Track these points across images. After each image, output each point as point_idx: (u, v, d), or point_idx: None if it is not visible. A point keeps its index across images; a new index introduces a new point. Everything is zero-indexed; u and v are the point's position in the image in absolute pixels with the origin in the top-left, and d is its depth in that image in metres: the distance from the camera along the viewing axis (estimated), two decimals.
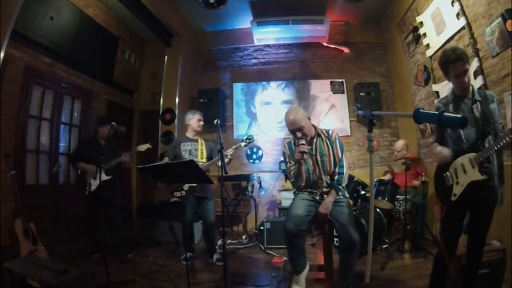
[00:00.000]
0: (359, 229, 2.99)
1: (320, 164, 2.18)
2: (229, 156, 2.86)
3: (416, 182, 3.71)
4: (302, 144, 2.05)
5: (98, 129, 3.36)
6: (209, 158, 3.09)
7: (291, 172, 2.26)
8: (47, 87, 3.87)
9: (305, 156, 2.07)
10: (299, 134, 2.11)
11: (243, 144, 2.97)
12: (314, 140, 2.21)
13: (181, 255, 3.18)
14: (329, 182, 2.19)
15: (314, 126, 2.25)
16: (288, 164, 2.30)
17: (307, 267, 2.14)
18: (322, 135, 2.24)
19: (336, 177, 2.18)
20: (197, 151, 3.07)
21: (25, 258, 2.34)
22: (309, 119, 2.20)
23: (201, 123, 3.17)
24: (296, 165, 2.14)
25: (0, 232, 2.63)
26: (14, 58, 3.28)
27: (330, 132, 2.25)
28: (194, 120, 3.12)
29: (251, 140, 3.01)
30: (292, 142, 2.30)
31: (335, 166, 2.20)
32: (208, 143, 3.17)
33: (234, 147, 2.95)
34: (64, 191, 4.04)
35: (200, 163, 2.96)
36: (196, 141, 3.12)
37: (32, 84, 3.59)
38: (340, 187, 2.18)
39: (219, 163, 3.01)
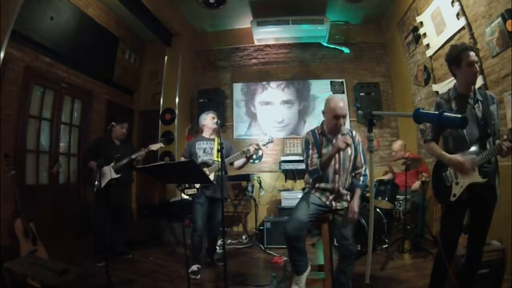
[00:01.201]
0: (359, 229, 3.00)
1: (342, 161, 2.12)
2: (252, 151, 2.85)
3: (416, 184, 3.70)
4: (344, 135, 2.04)
5: (113, 128, 3.29)
6: (226, 157, 2.98)
7: (313, 160, 2.13)
8: (47, 87, 3.87)
9: (348, 149, 2.05)
10: (342, 121, 2.10)
11: (261, 144, 2.92)
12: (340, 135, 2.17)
13: (181, 255, 3.17)
14: (345, 181, 2.13)
15: None
16: (311, 151, 2.16)
17: (309, 268, 2.12)
18: (348, 134, 2.18)
19: (361, 178, 2.19)
20: (212, 149, 3.02)
21: (25, 258, 2.34)
22: None
23: (215, 120, 3.07)
24: (330, 154, 2.03)
25: (0, 232, 2.63)
26: (14, 58, 3.28)
27: (354, 134, 2.22)
28: (208, 119, 3.11)
29: (270, 141, 2.97)
30: (317, 132, 2.21)
31: (353, 168, 2.17)
32: (225, 143, 3.07)
33: (254, 145, 2.89)
34: (64, 191, 4.05)
35: (215, 162, 2.92)
36: (213, 140, 3.08)
37: (32, 84, 3.59)
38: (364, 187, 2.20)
39: (237, 163, 2.98)
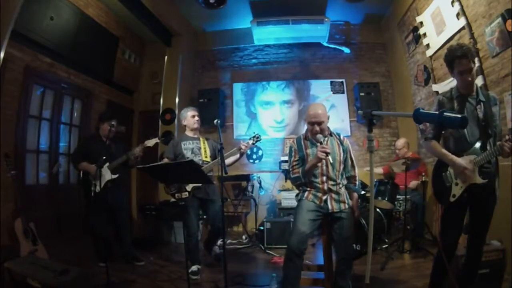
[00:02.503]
0: (359, 229, 3.00)
1: (332, 162, 2.11)
2: (243, 148, 2.79)
3: (415, 183, 3.70)
4: (321, 143, 2.04)
5: (100, 126, 3.18)
6: (213, 157, 2.95)
7: (294, 167, 2.21)
8: (47, 87, 3.87)
9: (329, 157, 2.00)
10: (317, 128, 2.11)
11: (250, 142, 2.85)
12: (326, 138, 2.19)
13: (181, 255, 3.17)
14: (335, 181, 2.13)
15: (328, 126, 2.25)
16: (292, 158, 2.24)
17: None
18: (334, 136, 2.25)
19: (357, 183, 2.26)
20: (200, 149, 2.92)
21: (25, 258, 2.34)
22: (328, 118, 2.21)
23: (196, 118, 3.00)
24: (311, 163, 2.07)
25: (0, 232, 2.63)
26: (14, 58, 3.28)
27: (342, 137, 2.27)
28: (188, 118, 2.98)
29: (258, 139, 2.88)
30: (302, 137, 2.26)
31: (344, 170, 2.21)
32: (210, 142, 3.05)
33: (245, 142, 2.84)
34: (64, 191, 4.04)
35: (205, 162, 2.85)
36: (198, 139, 2.98)
37: (32, 84, 3.59)
38: (359, 189, 2.27)
39: (228, 160, 2.86)
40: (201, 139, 3.01)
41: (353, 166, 2.26)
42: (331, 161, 2.06)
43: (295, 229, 2.05)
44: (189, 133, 3.02)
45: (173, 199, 2.78)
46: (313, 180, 2.14)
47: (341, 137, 2.27)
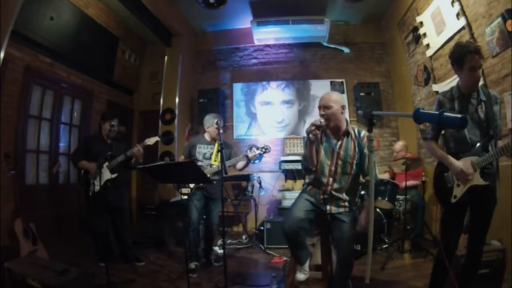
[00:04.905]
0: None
1: (341, 163, 2.04)
2: (250, 156, 2.95)
3: (412, 182, 3.69)
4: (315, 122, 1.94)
5: (102, 125, 3.15)
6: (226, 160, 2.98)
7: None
8: (47, 87, 3.87)
9: (350, 151, 1.95)
10: (322, 111, 2.03)
11: (257, 151, 3.00)
12: (342, 137, 2.07)
13: (181, 255, 3.16)
14: (341, 184, 2.05)
15: (346, 121, 2.11)
16: (308, 148, 2.12)
17: (309, 256, 2.16)
18: (352, 135, 2.07)
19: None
20: (212, 155, 3.03)
21: (25, 258, 2.34)
22: (343, 108, 2.07)
23: (218, 126, 3.01)
24: (309, 144, 1.99)
25: (0, 232, 2.63)
26: (14, 58, 3.28)
27: (362, 134, 2.08)
28: (212, 128, 3.03)
29: (266, 150, 3.04)
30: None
31: (359, 172, 2.09)
32: (226, 147, 3.06)
33: (254, 150, 3.00)
34: (64, 191, 4.04)
35: (213, 166, 2.97)
36: (213, 144, 3.06)
37: (32, 84, 3.59)
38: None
39: (238, 165, 3.02)
40: (216, 143, 3.04)
41: (361, 166, 2.09)
42: (350, 156, 2.02)
43: (289, 214, 2.06)
44: (207, 137, 3.11)
45: (173, 199, 2.81)
46: (320, 178, 2.08)
47: (361, 134, 2.08)
